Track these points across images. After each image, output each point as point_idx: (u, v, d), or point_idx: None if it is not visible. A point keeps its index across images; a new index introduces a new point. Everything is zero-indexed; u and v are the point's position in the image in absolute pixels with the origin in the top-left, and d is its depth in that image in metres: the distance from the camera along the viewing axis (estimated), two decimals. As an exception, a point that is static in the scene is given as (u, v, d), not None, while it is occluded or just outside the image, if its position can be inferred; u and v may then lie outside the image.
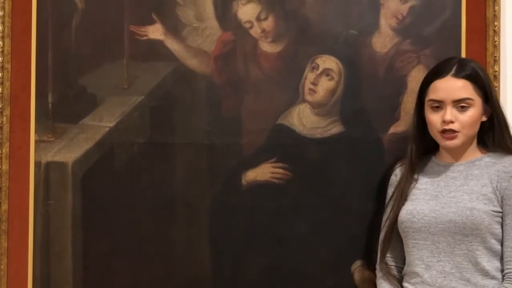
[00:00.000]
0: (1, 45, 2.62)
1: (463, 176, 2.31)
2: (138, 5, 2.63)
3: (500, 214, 2.24)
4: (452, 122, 2.30)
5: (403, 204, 2.36)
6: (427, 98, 2.36)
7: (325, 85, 2.63)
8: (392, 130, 2.61)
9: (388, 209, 2.43)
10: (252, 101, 2.62)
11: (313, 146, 2.61)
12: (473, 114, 2.30)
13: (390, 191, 2.47)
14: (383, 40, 2.62)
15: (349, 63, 2.62)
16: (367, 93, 2.62)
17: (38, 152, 2.63)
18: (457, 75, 2.32)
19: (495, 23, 2.60)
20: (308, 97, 2.63)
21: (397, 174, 2.46)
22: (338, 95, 2.63)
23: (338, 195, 2.61)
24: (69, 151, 2.63)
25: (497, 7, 2.60)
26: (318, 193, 2.61)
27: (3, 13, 2.62)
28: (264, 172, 2.62)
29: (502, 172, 2.27)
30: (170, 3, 2.63)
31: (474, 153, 2.36)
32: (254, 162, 2.62)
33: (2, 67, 2.62)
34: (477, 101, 2.31)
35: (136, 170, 2.63)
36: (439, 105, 2.32)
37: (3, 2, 2.62)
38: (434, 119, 2.33)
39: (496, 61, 2.60)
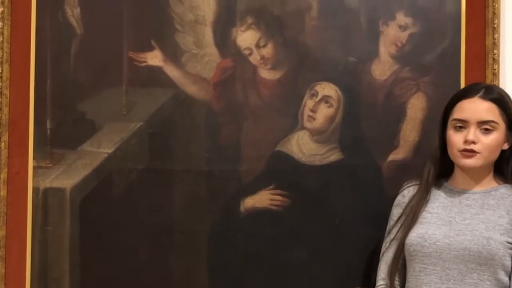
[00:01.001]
0: (0, 70, 2.61)
1: (479, 205, 2.29)
2: (137, 31, 2.63)
3: None
4: (474, 142, 2.27)
5: (413, 226, 2.33)
6: (451, 118, 2.33)
7: (324, 112, 2.62)
8: (391, 157, 2.61)
9: (395, 230, 2.39)
10: (251, 128, 2.62)
11: (312, 173, 2.61)
12: (496, 138, 2.28)
13: (396, 211, 2.43)
14: (383, 68, 2.62)
15: (348, 90, 2.62)
16: (366, 121, 2.62)
17: (36, 178, 2.62)
18: (484, 97, 2.30)
19: (495, 51, 2.60)
20: (307, 124, 2.62)
21: (404, 195, 2.43)
22: (337, 122, 2.62)
23: (337, 222, 2.61)
24: (68, 177, 2.62)
25: (496, 35, 2.60)
26: (317, 220, 2.61)
27: (1, 39, 2.61)
28: (262, 199, 2.62)
29: None
30: (169, 29, 2.63)
31: (490, 182, 2.34)
32: (252, 189, 2.62)
33: (1, 92, 2.61)
34: (501, 126, 2.29)
35: (134, 197, 2.63)
36: (462, 125, 2.29)
37: (2, 28, 2.61)
38: (456, 138, 2.29)
39: (496, 89, 2.60)
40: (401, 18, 2.62)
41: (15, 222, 2.61)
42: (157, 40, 2.63)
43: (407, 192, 2.43)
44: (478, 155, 2.28)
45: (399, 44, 2.62)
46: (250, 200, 2.62)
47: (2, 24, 2.61)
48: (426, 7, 2.62)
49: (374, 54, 2.62)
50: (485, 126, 2.27)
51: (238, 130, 2.61)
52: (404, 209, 2.39)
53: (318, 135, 2.62)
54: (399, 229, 2.38)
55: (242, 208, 2.62)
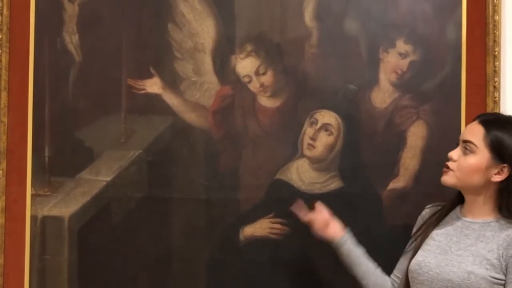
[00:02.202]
0: (-2, 98, 2.61)
1: (475, 236, 2.27)
2: (136, 58, 2.63)
3: (503, 282, 2.20)
4: (453, 159, 2.27)
5: (417, 252, 2.32)
6: None
7: (324, 140, 2.61)
8: (391, 186, 2.60)
9: (408, 247, 2.41)
10: (251, 156, 2.61)
11: (312, 201, 2.59)
12: (473, 162, 2.24)
13: (414, 229, 2.43)
14: (383, 95, 2.61)
15: (348, 118, 2.61)
16: (366, 149, 2.60)
17: (34, 206, 2.62)
18: (480, 122, 2.28)
19: (495, 79, 2.59)
20: (307, 152, 2.61)
21: (424, 217, 2.42)
22: (337, 150, 2.61)
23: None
24: (66, 205, 2.62)
25: (497, 63, 2.59)
26: (316, 249, 2.59)
27: (0, 66, 2.60)
28: (262, 227, 2.61)
29: (511, 238, 2.23)
30: (168, 57, 2.62)
31: (490, 213, 2.29)
32: (252, 218, 2.61)
33: (-1, 120, 2.61)
34: (483, 151, 2.24)
35: (133, 225, 2.62)
36: (458, 143, 2.31)
37: (0, 55, 2.61)
38: None
39: (496, 117, 2.59)
40: (401, 45, 2.61)
41: (13, 250, 2.60)
42: (156, 68, 2.62)
43: (425, 213, 2.42)
44: (451, 172, 2.27)
45: (399, 72, 2.61)
46: (249, 228, 2.60)
47: (0, 51, 2.61)
48: (426, 35, 2.61)
49: (374, 81, 2.61)
50: (465, 146, 2.26)
51: (237, 158, 2.60)
52: (419, 229, 2.39)
53: (318, 163, 2.61)
54: (410, 246, 2.39)
55: (241, 237, 2.61)
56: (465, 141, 2.26)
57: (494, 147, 2.23)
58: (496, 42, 2.59)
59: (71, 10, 2.63)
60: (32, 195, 2.61)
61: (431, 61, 2.61)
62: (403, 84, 2.61)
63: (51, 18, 2.63)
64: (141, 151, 2.62)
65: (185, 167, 2.61)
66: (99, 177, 2.62)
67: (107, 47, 2.62)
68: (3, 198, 2.61)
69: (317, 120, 2.61)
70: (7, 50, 2.61)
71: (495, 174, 2.24)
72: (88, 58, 2.63)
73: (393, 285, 2.42)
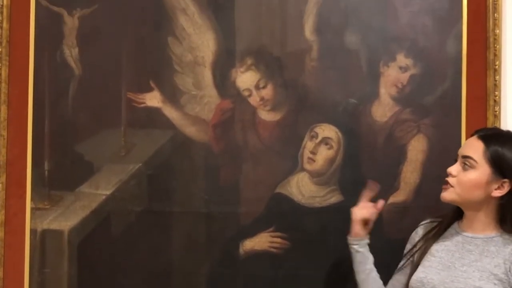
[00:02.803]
0: (-2, 111, 2.61)
1: (479, 251, 2.26)
2: (136, 72, 2.62)
3: None
4: (452, 175, 2.27)
5: (416, 268, 2.32)
6: None
7: (324, 154, 2.61)
8: (391, 200, 2.59)
9: (401, 263, 2.41)
10: (251, 169, 2.60)
11: (312, 215, 2.59)
12: (473, 177, 2.24)
13: (408, 246, 2.43)
14: (383, 109, 2.61)
15: (348, 132, 2.61)
16: (366, 163, 2.60)
17: (34, 219, 2.62)
18: (480, 137, 2.27)
19: (496, 92, 2.59)
20: (307, 166, 2.61)
21: (418, 232, 2.41)
22: (337, 164, 2.61)
23: (337, 265, 2.58)
24: (65, 219, 2.61)
25: (497, 77, 2.58)
26: (317, 263, 2.59)
27: (-1, 79, 2.61)
28: (262, 241, 2.60)
29: None
30: (168, 70, 2.62)
31: (492, 228, 2.29)
32: (252, 231, 2.61)
33: (-1, 134, 2.61)
34: (483, 167, 2.24)
35: (133, 239, 2.61)
36: (457, 159, 2.30)
37: (0, 68, 2.60)
38: None
39: (496, 131, 2.58)
40: (402, 59, 2.60)
41: (13, 264, 2.60)
42: (156, 81, 2.62)
43: (420, 230, 2.41)
44: (451, 188, 2.27)
45: (400, 86, 2.61)
46: (249, 242, 2.60)
47: (0, 64, 2.60)
48: (427, 48, 2.60)
49: (374, 95, 2.61)
50: (465, 161, 2.25)
51: (237, 172, 2.60)
52: (414, 246, 2.38)
53: (318, 177, 2.61)
54: (406, 263, 2.38)
55: (241, 251, 2.61)
56: (465, 157, 2.25)
57: (494, 162, 2.23)
58: (497, 56, 2.59)
59: (71, 24, 2.62)
60: (32, 209, 2.61)
61: (432, 75, 2.60)
62: (403, 98, 2.61)
63: (51, 32, 2.62)
64: (141, 164, 2.62)
65: (185, 181, 2.61)
66: (99, 190, 2.61)
67: (107, 61, 2.62)
68: (3, 211, 2.60)
69: (317, 134, 2.61)
70: (7, 63, 2.61)
71: (496, 189, 2.24)
72: (88, 71, 2.62)
73: None
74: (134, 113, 2.61)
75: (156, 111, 2.62)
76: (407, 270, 2.38)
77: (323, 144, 2.61)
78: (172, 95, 2.62)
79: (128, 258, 2.61)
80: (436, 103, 2.60)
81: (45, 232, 2.61)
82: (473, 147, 2.25)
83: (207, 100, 2.62)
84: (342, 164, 2.61)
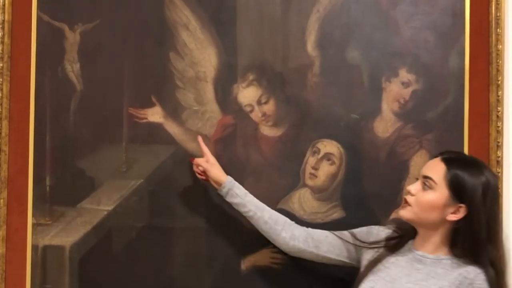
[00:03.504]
0: (-1, 127, 2.60)
1: (427, 271, 2.26)
2: (138, 87, 2.62)
3: None
4: (411, 193, 2.27)
5: (368, 275, 2.32)
6: None
7: (326, 169, 2.60)
8: (393, 216, 2.58)
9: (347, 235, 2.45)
10: (252, 185, 2.59)
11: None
12: (431, 198, 2.24)
13: (364, 233, 2.43)
14: (385, 125, 2.60)
15: (350, 147, 2.60)
16: (368, 178, 2.59)
17: (35, 235, 2.61)
18: (442, 159, 2.28)
19: (498, 108, 2.57)
20: (309, 182, 2.60)
21: (380, 232, 2.41)
22: (339, 180, 2.60)
23: (338, 281, 2.57)
24: (67, 235, 2.61)
25: (500, 92, 2.57)
26: (318, 279, 2.58)
27: (1, 95, 2.61)
28: (263, 257, 2.59)
29: (463, 277, 2.21)
30: (169, 85, 2.61)
31: (444, 250, 2.29)
32: (253, 248, 2.60)
33: (0, 149, 2.60)
34: (442, 189, 2.23)
35: (134, 254, 2.61)
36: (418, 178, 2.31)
37: (1, 83, 2.60)
38: None
39: (499, 146, 2.57)
40: (404, 74, 2.60)
41: (14, 280, 2.60)
42: (157, 97, 2.61)
43: (383, 232, 2.41)
44: (409, 207, 2.27)
45: (402, 101, 2.60)
46: (250, 258, 2.59)
47: (1, 80, 2.61)
48: (429, 64, 2.59)
49: (376, 111, 2.60)
50: (425, 181, 2.26)
51: (239, 188, 2.58)
52: (372, 243, 2.39)
53: (320, 193, 2.60)
54: (352, 240, 2.42)
55: (242, 266, 2.60)
56: (425, 177, 2.26)
57: (453, 186, 2.23)
58: (499, 71, 2.58)
59: (72, 39, 2.62)
60: (33, 224, 2.61)
61: (434, 90, 2.59)
62: (405, 114, 2.60)
63: (52, 47, 2.62)
64: (142, 180, 2.61)
65: (187, 197, 2.60)
66: (100, 206, 2.61)
67: (109, 76, 2.62)
68: (4, 227, 2.60)
69: (319, 150, 2.60)
70: (8, 78, 2.60)
71: (451, 213, 2.24)
72: (89, 87, 2.62)
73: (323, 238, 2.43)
74: (136, 129, 2.61)
75: (157, 127, 2.61)
76: (344, 241, 2.41)
77: (325, 160, 2.60)
78: (174, 111, 2.61)
79: (130, 274, 2.60)
80: (438, 118, 2.59)
81: (46, 248, 2.61)
82: (435, 169, 2.26)
83: (208, 116, 2.61)
84: (344, 180, 2.60)
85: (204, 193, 2.59)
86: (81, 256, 2.61)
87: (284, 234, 2.45)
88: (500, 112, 2.58)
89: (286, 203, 2.60)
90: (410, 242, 2.35)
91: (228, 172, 2.54)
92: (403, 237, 2.37)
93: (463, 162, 2.27)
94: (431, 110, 2.60)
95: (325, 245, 2.43)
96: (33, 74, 2.61)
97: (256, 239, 2.57)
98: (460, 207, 2.22)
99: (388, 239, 2.38)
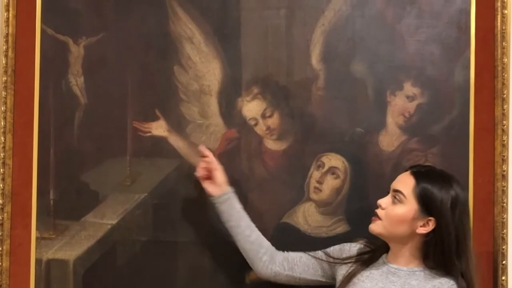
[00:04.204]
0: (3, 140, 2.60)
1: (401, 283, 2.27)
2: (142, 101, 2.61)
3: None
4: (381, 207, 2.29)
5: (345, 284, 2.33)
6: None
7: (330, 183, 2.59)
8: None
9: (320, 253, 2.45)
10: (257, 199, 2.59)
11: (318, 245, 2.55)
12: (400, 212, 2.25)
13: (337, 251, 2.43)
14: (390, 138, 2.59)
15: (355, 161, 2.59)
16: (373, 192, 2.57)
17: (39, 249, 2.61)
18: (412, 173, 2.29)
19: (504, 122, 2.56)
20: (314, 196, 2.59)
21: (351, 248, 2.41)
22: (344, 194, 2.59)
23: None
24: (71, 249, 2.61)
25: (505, 106, 2.56)
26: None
27: (4, 108, 2.60)
28: (268, 271, 2.58)
29: None
30: (174, 99, 2.61)
31: (416, 262, 2.29)
32: (258, 261, 2.58)
33: (4, 163, 2.60)
34: (411, 203, 2.24)
35: (138, 268, 2.61)
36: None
37: (5, 97, 2.60)
38: None
39: (505, 160, 2.56)
40: (409, 88, 2.59)
41: (18, 294, 2.59)
42: (161, 110, 2.61)
43: (355, 248, 2.41)
44: (379, 221, 2.29)
45: (407, 115, 2.59)
46: (255, 272, 2.58)
47: (5, 93, 2.61)
48: (434, 77, 2.58)
49: (381, 124, 2.59)
50: (395, 195, 2.27)
51: (243, 202, 2.55)
52: (345, 259, 2.39)
53: (324, 206, 2.59)
54: (323, 257, 2.42)
55: (247, 280, 2.59)
56: (395, 190, 2.28)
57: (422, 199, 2.25)
58: (505, 84, 2.56)
59: (76, 52, 2.62)
60: (37, 238, 2.61)
61: (439, 104, 2.58)
62: (410, 127, 2.59)
63: (56, 60, 2.62)
64: (146, 194, 2.61)
65: (191, 211, 2.60)
66: (104, 220, 2.60)
67: (113, 90, 2.61)
68: (8, 241, 2.60)
69: (323, 163, 2.59)
70: (12, 92, 2.61)
71: (421, 226, 2.25)
72: (93, 100, 2.62)
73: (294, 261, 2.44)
74: (140, 142, 2.60)
75: (161, 140, 2.61)
76: (318, 260, 2.42)
77: (329, 174, 2.59)
78: (178, 124, 2.61)
79: (133, 287, 2.60)
80: (443, 132, 2.58)
81: (50, 262, 2.61)
82: (404, 182, 2.27)
83: (213, 129, 2.61)
84: (348, 194, 2.59)
85: (208, 207, 2.58)
86: (85, 270, 2.60)
87: (265, 258, 2.45)
88: (505, 126, 2.57)
89: (290, 217, 2.59)
90: (384, 256, 2.36)
91: (232, 186, 2.53)
92: (375, 251, 2.38)
93: (432, 175, 2.28)
94: (436, 124, 2.59)
95: (300, 266, 2.44)
96: (37, 88, 2.61)
97: (261, 253, 2.57)
98: (429, 220, 2.24)
99: (360, 253, 2.39)
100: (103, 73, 2.62)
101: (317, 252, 2.45)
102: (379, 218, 2.28)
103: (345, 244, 2.44)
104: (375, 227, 2.30)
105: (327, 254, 2.43)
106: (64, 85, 2.62)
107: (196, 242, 2.59)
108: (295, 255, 2.46)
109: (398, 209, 2.26)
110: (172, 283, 2.60)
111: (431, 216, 2.24)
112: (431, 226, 2.24)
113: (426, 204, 2.24)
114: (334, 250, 2.44)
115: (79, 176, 2.62)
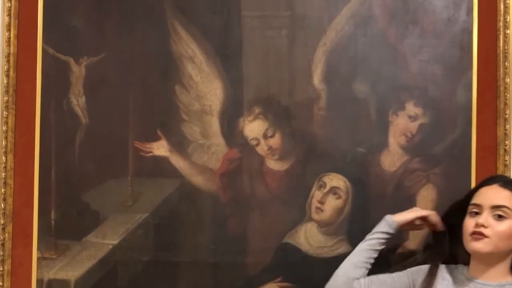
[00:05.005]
0: (4, 160, 2.60)
1: None
2: (143, 121, 2.61)
3: None
4: (484, 226, 2.21)
5: None
6: (470, 205, 2.29)
7: (332, 203, 2.59)
8: (400, 249, 2.56)
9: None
10: (258, 219, 2.58)
11: (320, 265, 2.56)
12: (509, 226, 2.21)
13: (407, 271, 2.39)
14: (392, 158, 2.58)
15: (357, 181, 2.58)
16: (375, 212, 2.56)
17: (40, 269, 2.61)
18: (503, 185, 2.25)
19: (506, 142, 2.55)
20: (315, 216, 2.59)
21: (420, 271, 2.37)
22: (346, 214, 2.59)
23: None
24: (72, 269, 2.60)
25: (508, 126, 2.55)
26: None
27: (6, 128, 2.60)
28: (270, 291, 2.59)
29: None
30: (175, 119, 2.61)
31: (505, 275, 2.26)
32: (259, 282, 2.58)
33: (5, 183, 2.60)
34: None
35: (139, 289, 2.60)
36: (478, 211, 2.24)
37: (6, 117, 2.60)
38: (468, 222, 2.24)
39: (507, 180, 2.56)
40: (411, 108, 2.58)
41: (19, 314, 2.59)
42: (163, 130, 2.61)
43: (423, 273, 2.36)
44: (487, 239, 2.21)
45: (409, 135, 2.58)
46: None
47: (6, 113, 2.61)
48: (436, 97, 2.57)
49: (383, 144, 2.58)
50: (498, 212, 2.21)
51: (244, 222, 2.58)
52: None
53: (326, 227, 2.59)
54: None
55: (248, 301, 2.59)
56: (498, 206, 2.22)
57: None
58: (507, 104, 2.56)
59: (77, 72, 2.61)
60: (38, 258, 2.61)
61: (441, 124, 2.57)
62: (412, 147, 2.58)
63: (57, 80, 2.62)
64: (148, 214, 2.60)
65: (192, 231, 2.59)
66: (105, 240, 2.60)
67: (114, 110, 2.61)
68: (9, 261, 2.60)
69: (325, 184, 2.59)
70: (14, 112, 2.61)
71: None
72: (95, 120, 2.62)
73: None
74: (141, 162, 2.60)
75: (163, 160, 2.60)
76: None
77: (331, 194, 2.59)
78: (180, 144, 2.60)
79: (135, 308, 2.60)
80: (445, 152, 2.57)
81: (51, 282, 2.61)
82: (502, 196, 2.23)
83: (214, 149, 2.60)
84: (350, 214, 2.58)
85: (209, 227, 2.58)
86: (86, 291, 2.61)
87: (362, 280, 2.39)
88: (507, 146, 2.56)
89: (292, 237, 2.59)
90: (460, 269, 2.31)
91: (233, 206, 2.54)
92: (431, 271, 2.33)
93: None
94: (439, 144, 2.58)
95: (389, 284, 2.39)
96: (39, 108, 2.61)
97: (263, 273, 2.57)
98: None
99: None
100: (105, 93, 2.62)
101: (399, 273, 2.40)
102: (486, 236, 2.21)
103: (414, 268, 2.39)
104: (484, 245, 2.21)
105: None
106: (65, 105, 2.62)
107: (198, 262, 2.59)
108: (382, 276, 2.40)
109: (506, 224, 2.21)
110: (174, 303, 2.60)
111: None
112: None
113: None
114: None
115: (81, 196, 2.61)
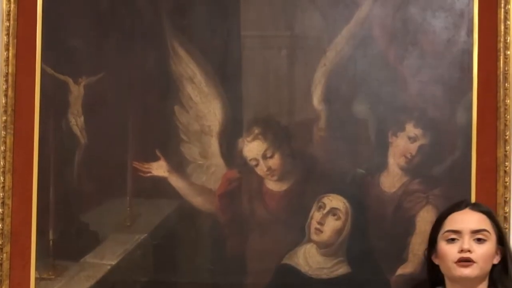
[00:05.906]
0: (2, 180, 2.59)
1: None
2: (142, 141, 2.60)
3: None
4: (469, 251, 2.23)
5: None
6: (442, 231, 2.28)
7: (331, 224, 2.58)
8: (399, 271, 2.56)
9: None
10: (257, 240, 2.58)
11: (319, 287, 2.56)
12: (489, 248, 2.24)
13: None
14: (391, 180, 2.58)
15: (356, 202, 2.58)
16: (374, 234, 2.57)
17: (38, 290, 2.60)
18: (474, 209, 2.29)
19: (506, 163, 2.55)
20: (314, 237, 2.58)
21: None
22: (345, 235, 2.58)
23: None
24: (70, 289, 2.59)
25: (508, 147, 2.55)
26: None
27: (4, 148, 2.59)
28: (270, 312, 2.58)
29: None
30: (174, 139, 2.60)
31: None
32: (259, 302, 2.58)
33: (3, 203, 2.59)
34: (493, 237, 2.26)
35: (137, 309, 2.59)
36: (455, 237, 2.25)
37: (5, 137, 2.60)
38: (449, 250, 2.25)
39: (507, 202, 2.55)
40: (411, 129, 2.57)
41: (17, 335, 2.59)
42: (162, 150, 2.60)
43: None
44: (474, 264, 2.23)
45: (409, 156, 2.57)
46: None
47: (5, 133, 2.60)
48: (436, 118, 2.57)
49: (383, 165, 2.58)
50: (478, 236, 2.24)
51: (244, 243, 2.57)
52: None
53: (325, 248, 2.58)
54: None
55: (247, 322, 2.58)
56: (478, 231, 2.24)
57: (499, 230, 2.28)
58: (507, 126, 2.55)
59: (76, 92, 2.61)
60: (36, 279, 2.60)
61: (441, 145, 2.56)
62: (412, 169, 2.57)
63: (56, 100, 2.62)
64: (146, 234, 2.59)
65: (191, 251, 2.59)
66: (104, 260, 2.59)
67: (113, 130, 2.60)
68: (7, 281, 2.59)
69: (324, 204, 2.58)
70: (12, 131, 2.60)
71: (496, 256, 2.27)
72: (93, 140, 2.61)
73: None
74: (140, 183, 2.59)
75: (162, 181, 2.59)
76: None
77: (330, 215, 2.58)
78: (179, 165, 2.59)
79: (133, 329, 2.60)
80: (445, 173, 2.56)
81: (49, 303, 2.60)
82: (480, 220, 2.26)
83: (213, 170, 2.59)
84: (349, 235, 2.58)
85: (208, 248, 2.58)
86: (84, 311, 2.60)
87: None
88: (507, 168, 2.55)
89: (291, 258, 2.58)
90: None
91: (232, 226, 2.53)
92: None
93: (487, 207, 2.32)
94: (438, 165, 2.57)
95: None
96: (37, 127, 2.60)
97: (262, 294, 2.57)
98: (499, 248, 2.27)
99: None
100: (103, 113, 2.61)
101: None
102: (474, 262, 2.23)
103: None
104: (472, 270, 2.22)
105: None
106: (64, 124, 2.61)
107: (197, 283, 2.58)
108: None
109: (488, 247, 2.24)
110: (173, 324, 2.59)
111: (500, 244, 2.27)
112: (499, 254, 2.27)
113: (500, 234, 2.28)
114: None
115: (79, 216, 2.60)
